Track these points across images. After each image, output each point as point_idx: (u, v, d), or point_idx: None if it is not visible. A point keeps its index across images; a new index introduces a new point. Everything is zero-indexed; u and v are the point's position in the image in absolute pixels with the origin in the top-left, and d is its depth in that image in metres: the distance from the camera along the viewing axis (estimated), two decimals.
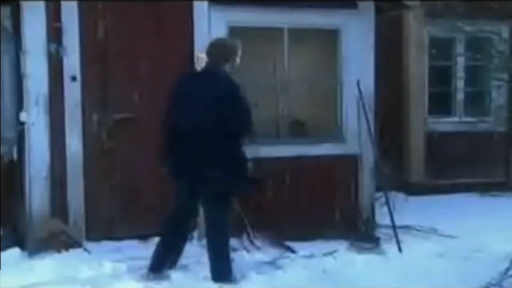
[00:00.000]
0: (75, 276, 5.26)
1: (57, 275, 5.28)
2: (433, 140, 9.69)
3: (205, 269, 5.26)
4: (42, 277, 5.24)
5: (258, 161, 6.06)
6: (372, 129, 6.76)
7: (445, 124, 9.88)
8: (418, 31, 9.50)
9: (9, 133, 6.14)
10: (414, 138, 9.71)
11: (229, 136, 5.10)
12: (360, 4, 6.79)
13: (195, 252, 5.64)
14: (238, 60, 5.36)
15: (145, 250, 5.64)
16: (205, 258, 5.29)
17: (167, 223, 5.33)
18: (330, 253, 5.99)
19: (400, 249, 6.24)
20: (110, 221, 6.19)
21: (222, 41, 5.62)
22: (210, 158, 5.07)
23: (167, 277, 5.23)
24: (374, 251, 6.27)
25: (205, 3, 6.33)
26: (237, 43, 5.44)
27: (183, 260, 5.45)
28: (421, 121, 9.72)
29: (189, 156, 5.13)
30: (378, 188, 6.91)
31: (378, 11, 6.91)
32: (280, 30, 6.68)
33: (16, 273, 5.30)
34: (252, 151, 5.69)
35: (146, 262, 5.32)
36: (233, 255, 5.68)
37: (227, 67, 5.27)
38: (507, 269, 4.96)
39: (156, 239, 5.43)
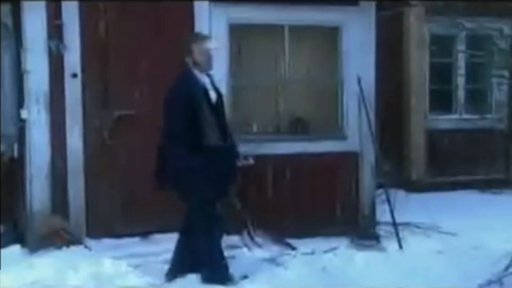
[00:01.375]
0: (75, 273, 5.26)
1: (58, 272, 5.28)
2: (434, 137, 9.69)
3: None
4: (43, 274, 5.24)
5: (259, 158, 6.05)
6: (373, 126, 6.76)
7: (446, 121, 9.89)
8: (418, 28, 9.49)
9: (10, 131, 6.14)
10: (415, 135, 9.70)
11: (173, 142, 4.98)
12: (361, 1, 6.79)
13: None
14: (201, 54, 5.11)
15: (146, 247, 5.64)
16: None
17: (183, 223, 5.25)
18: (330, 250, 6.00)
19: (400, 246, 6.24)
20: (110, 218, 6.19)
21: (187, 35, 5.49)
22: (166, 166, 5.03)
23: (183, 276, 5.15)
24: (374, 248, 6.28)
25: (206, 2, 6.32)
26: (199, 36, 5.27)
27: None
28: (421, 118, 9.71)
29: (161, 163, 5.12)
30: (378, 185, 6.90)
31: (379, 9, 6.91)
32: (281, 27, 6.68)
33: (16, 270, 5.31)
34: (252, 148, 5.67)
35: (147, 259, 5.32)
36: (233, 252, 5.69)
37: (190, 63, 5.11)
38: (507, 267, 4.97)
39: (156, 236, 5.43)
